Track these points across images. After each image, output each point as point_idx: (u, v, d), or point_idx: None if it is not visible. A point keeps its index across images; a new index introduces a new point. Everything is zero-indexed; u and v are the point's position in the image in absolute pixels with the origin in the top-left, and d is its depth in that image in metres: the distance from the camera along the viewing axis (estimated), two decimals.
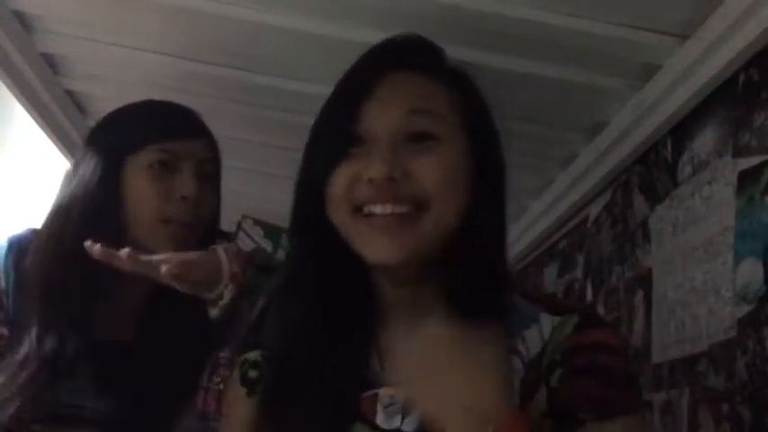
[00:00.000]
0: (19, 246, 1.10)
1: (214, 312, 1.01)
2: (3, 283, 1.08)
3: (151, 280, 1.04)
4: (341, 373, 0.77)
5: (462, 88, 0.82)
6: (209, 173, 1.14)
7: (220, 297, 1.01)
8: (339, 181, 0.76)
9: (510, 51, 1.31)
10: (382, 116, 0.77)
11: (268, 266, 1.07)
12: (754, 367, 1.02)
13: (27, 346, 1.03)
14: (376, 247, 0.75)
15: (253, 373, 0.85)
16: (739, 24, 1.09)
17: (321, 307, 0.79)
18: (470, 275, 0.77)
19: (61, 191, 1.14)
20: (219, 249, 1.04)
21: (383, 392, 0.76)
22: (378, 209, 0.75)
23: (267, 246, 2.53)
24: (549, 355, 0.74)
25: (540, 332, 0.75)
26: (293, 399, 0.77)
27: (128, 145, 1.10)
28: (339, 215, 0.77)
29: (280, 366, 0.81)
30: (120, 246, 1.03)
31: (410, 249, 0.74)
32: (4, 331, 1.07)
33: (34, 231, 1.14)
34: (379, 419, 0.75)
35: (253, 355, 0.86)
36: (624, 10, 1.17)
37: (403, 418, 0.74)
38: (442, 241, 0.76)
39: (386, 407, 0.75)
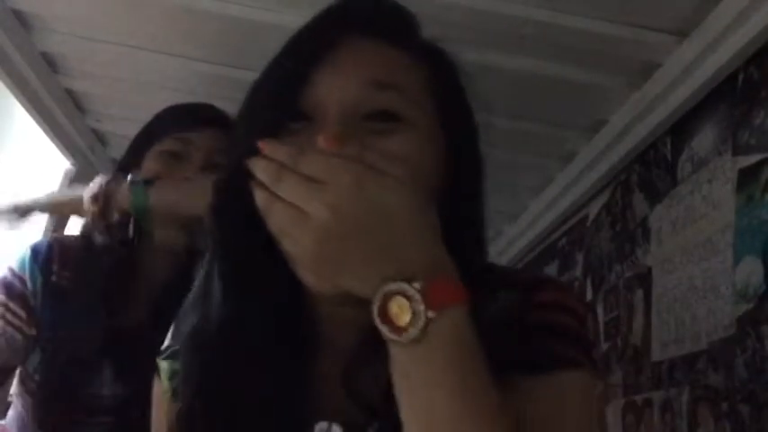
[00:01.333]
0: (43, 252, 1.16)
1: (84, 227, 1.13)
2: (30, 286, 1.14)
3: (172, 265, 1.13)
4: (274, 409, 0.62)
5: (436, 63, 0.68)
6: (222, 164, 1.16)
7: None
8: None
9: (510, 51, 1.31)
10: (335, 86, 0.61)
11: (146, 181, 1.11)
12: (754, 365, 1.02)
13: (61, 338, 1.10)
14: None
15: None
16: (738, 23, 1.09)
17: (242, 324, 0.62)
18: None
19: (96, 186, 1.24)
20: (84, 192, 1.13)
21: (318, 427, 0.63)
22: None
23: None
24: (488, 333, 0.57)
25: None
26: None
27: (149, 138, 1.18)
28: None
29: (197, 402, 0.64)
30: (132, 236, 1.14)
31: None
32: (33, 331, 1.13)
33: (53, 238, 1.23)
34: None
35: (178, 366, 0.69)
36: (624, 8, 1.17)
37: None
38: None
39: None
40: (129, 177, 1.11)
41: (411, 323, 0.50)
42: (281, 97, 0.62)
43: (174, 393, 0.68)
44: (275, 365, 0.63)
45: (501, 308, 0.62)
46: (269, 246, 0.55)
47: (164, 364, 0.71)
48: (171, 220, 1.09)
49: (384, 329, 0.51)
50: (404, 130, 0.61)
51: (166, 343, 0.72)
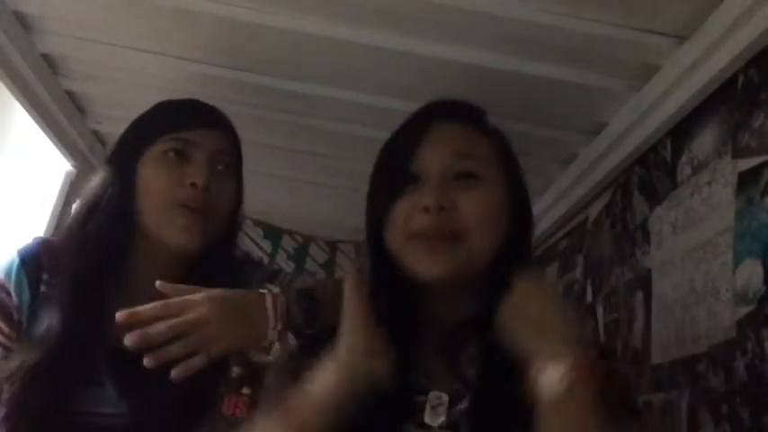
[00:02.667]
0: (33, 259, 1.09)
1: (261, 359, 0.98)
2: (15, 299, 1.07)
3: (174, 273, 1.04)
4: (397, 382, 0.85)
5: (500, 140, 0.97)
6: (226, 164, 1.14)
7: (267, 349, 0.97)
8: (399, 212, 0.90)
9: (510, 51, 1.31)
10: (434, 158, 0.91)
11: (316, 308, 1.02)
12: (754, 368, 1.02)
13: (43, 349, 1.02)
14: (427, 264, 0.88)
15: None
16: (738, 25, 1.09)
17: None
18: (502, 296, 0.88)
19: (85, 190, 1.15)
20: (268, 298, 0.98)
21: (432, 395, 0.87)
22: (431, 232, 0.88)
23: (267, 246, 2.54)
24: None
25: None
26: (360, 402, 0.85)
27: (144, 138, 1.12)
28: (397, 240, 0.90)
29: None
30: (133, 238, 1.08)
31: (454, 267, 0.87)
32: (14, 346, 1.05)
33: (42, 241, 1.15)
34: (427, 418, 0.86)
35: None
36: (624, 11, 1.17)
37: (448, 416, 0.85)
38: (480, 265, 0.89)
39: (434, 407, 0.86)
40: (297, 297, 1.01)
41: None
42: (398, 169, 0.92)
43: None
44: (403, 352, 0.86)
45: None
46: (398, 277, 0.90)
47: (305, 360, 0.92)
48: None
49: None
50: (482, 185, 0.90)
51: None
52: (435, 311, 0.93)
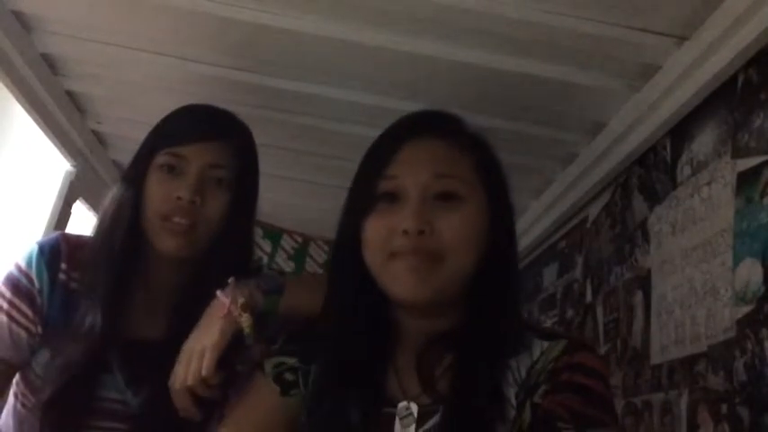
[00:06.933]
0: (51, 249, 1.15)
1: (247, 340, 1.05)
2: (37, 284, 1.13)
3: (181, 275, 1.17)
4: (366, 394, 0.88)
5: (480, 151, 0.95)
6: (220, 177, 1.15)
7: (240, 328, 1.04)
8: (377, 231, 0.90)
9: (510, 51, 1.31)
10: (413, 177, 0.89)
11: (276, 290, 1.10)
12: (753, 368, 1.03)
13: (83, 348, 1.09)
14: (405, 286, 0.87)
15: (290, 377, 0.97)
16: (738, 25, 1.09)
17: (355, 338, 0.92)
18: (481, 313, 0.90)
19: (107, 198, 1.22)
20: (218, 295, 1.07)
21: (400, 405, 0.87)
22: (410, 253, 0.87)
23: (266, 246, 2.54)
24: (535, 375, 0.85)
25: (531, 354, 0.87)
26: (330, 415, 0.88)
27: (149, 150, 1.17)
28: (375, 259, 0.90)
29: (321, 388, 0.93)
30: (138, 242, 1.15)
31: (433, 289, 0.87)
32: (39, 330, 1.12)
33: (62, 234, 1.21)
34: (396, 429, 0.86)
35: (291, 361, 0.98)
36: (624, 11, 1.17)
37: (417, 427, 0.85)
38: (460, 283, 0.90)
39: (402, 418, 0.86)
40: (261, 283, 1.09)
41: None
42: (374, 186, 0.91)
43: (278, 378, 0.97)
44: (371, 361, 0.91)
45: (543, 359, 0.86)
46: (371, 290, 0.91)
47: (274, 358, 0.99)
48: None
49: None
50: (461, 205, 0.89)
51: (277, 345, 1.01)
52: (411, 326, 0.94)
